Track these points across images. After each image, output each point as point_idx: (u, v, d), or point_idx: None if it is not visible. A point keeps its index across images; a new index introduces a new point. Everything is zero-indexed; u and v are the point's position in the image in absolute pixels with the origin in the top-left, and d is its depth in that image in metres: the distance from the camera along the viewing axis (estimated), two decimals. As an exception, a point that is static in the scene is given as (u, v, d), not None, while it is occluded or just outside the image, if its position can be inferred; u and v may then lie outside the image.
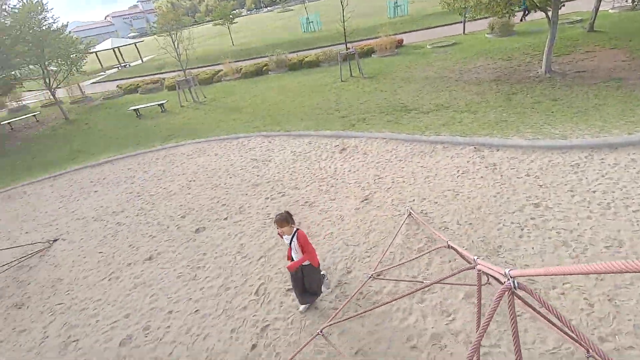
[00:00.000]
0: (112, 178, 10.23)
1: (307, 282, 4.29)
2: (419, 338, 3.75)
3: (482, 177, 6.20)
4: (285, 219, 3.93)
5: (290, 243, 4.04)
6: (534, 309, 2.06)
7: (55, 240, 7.44)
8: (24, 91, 26.26)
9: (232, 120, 12.88)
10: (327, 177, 7.48)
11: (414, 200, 6.02)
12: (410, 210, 5.55)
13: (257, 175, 8.31)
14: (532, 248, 4.51)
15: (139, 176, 9.89)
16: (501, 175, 6.10)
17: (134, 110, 16.57)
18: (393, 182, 6.73)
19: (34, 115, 20.18)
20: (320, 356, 3.80)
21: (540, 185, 5.64)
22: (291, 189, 7.39)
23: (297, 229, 4.05)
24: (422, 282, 4.28)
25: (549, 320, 2.12)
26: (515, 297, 1.62)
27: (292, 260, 4.13)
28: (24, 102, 26.08)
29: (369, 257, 5.05)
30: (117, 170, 10.76)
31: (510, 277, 1.55)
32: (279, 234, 4.09)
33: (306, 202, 6.79)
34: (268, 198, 7.24)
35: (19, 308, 5.71)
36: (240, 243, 6.05)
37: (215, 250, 6.02)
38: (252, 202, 7.23)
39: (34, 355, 4.76)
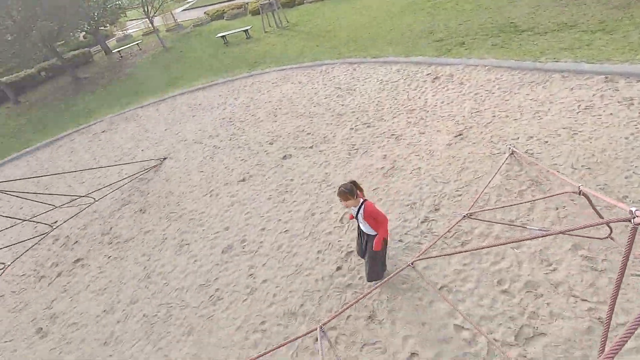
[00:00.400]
0: (206, 104, 10.96)
1: (368, 257, 3.81)
2: (511, 283, 3.58)
3: (611, 114, 5.16)
4: (349, 192, 3.35)
5: (357, 215, 3.56)
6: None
7: (164, 159, 8.48)
8: (127, 20, 28.44)
9: (316, 47, 12.43)
10: (417, 109, 6.98)
11: (518, 138, 5.34)
12: (513, 149, 4.97)
13: (342, 105, 8.11)
14: (671, 202, 3.77)
15: (229, 102, 10.42)
16: (639, 113, 5.00)
17: (222, 37, 16.94)
18: (494, 116, 6.01)
19: (137, 44, 21.99)
20: (404, 285, 3.89)
21: (696, 127, 4.50)
22: (377, 120, 7.11)
23: (365, 200, 3.48)
24: (524, 226, 3.93)
25: None
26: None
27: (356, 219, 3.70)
28: (128, 31, 28.42)
29: (459, 196, 4.77)
30: (210, 96, 11.44)
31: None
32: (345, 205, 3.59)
33: (393, 134, 6.50)
34: (352, 129, 7.10)
35: (143, 213, 6.84)
36: (325, 172, 6.18)
37: (301, 177, 6.26)
38: (337, 132, 7.18)
39: (157, 252, 5.76)
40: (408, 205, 4.90)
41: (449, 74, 7.76)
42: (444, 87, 7.36)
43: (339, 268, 4.39)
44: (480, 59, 7.85)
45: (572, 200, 4.09)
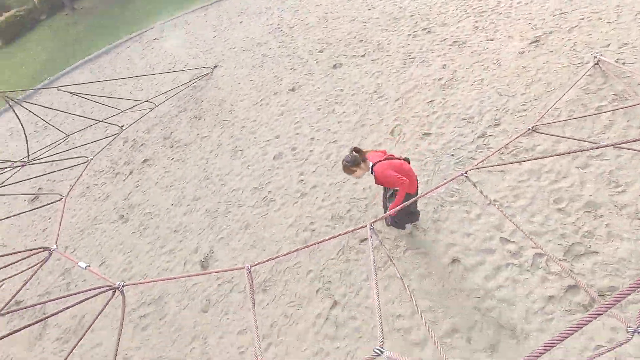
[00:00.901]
0: (254, 9, 10.41)
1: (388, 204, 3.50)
2: (569, 202, 3.44)
3: None
4: (352, 163, 3.04)
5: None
6: None
7: (215, 67, 8.50)
8: None
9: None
10: (487, 11, 6.11)
11: (608, 45, 4.58)
12: (600, 57, 4.30)
13: (399, 7, 7.31)
14: None
15: (277, 6, 9.79)
16: None
17: None
18: (582, 19, 5.11)
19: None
20: (452, 198, 3.90)
21: None
22: (438, 25, 6.38)
23: (374, 165, 3.08)
24: (595, 143, 3.60)
25: None
26: None
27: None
28: None
29: (525, 111, 4.39)
30: (258, 0, 10.78)
31: None
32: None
33: (455, 41, 5.86)
34: (410, 35, 6.48)
35: (199, 119, 7.16)
36: (377, 82, 5.89)
37: (352, 87, 6.04)
38: (392, 39, 6.61)
39: (214, 156, 6.15)
40: (465, 119, 4.63)
41: (534, -34, 6.51)
42: (524, -16, 6.25)
43: (386, 179, 4.45)
44: (577, -56, 6.41)
45: (662, 118, 3.61)
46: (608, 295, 2.84)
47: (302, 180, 4.96)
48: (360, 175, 3.19)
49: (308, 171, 5.03)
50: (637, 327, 1.69)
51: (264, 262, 2.41)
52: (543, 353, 0.98)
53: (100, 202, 6.46)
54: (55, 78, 12.82)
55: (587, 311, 2.84)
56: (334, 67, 6.69)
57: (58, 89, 6.78)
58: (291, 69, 7.21)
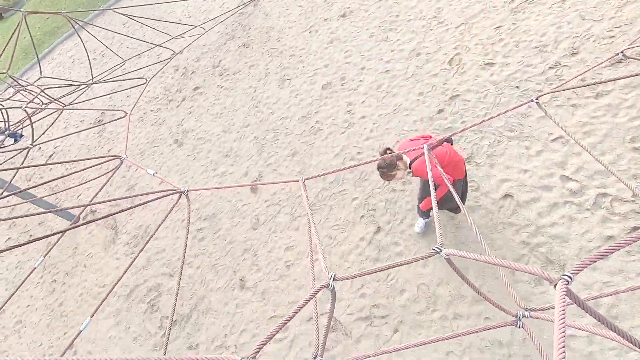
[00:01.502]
0: None
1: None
2: (649, 141, 3.11)
3: None
4: (388, 167, 2.66)
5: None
6: None
7: (263, -9, 8.10)
8: None
9: None
10: None
11: None
12: None
13: None
14: None
15: None
16: None
17: None
18: None
19: None
20: (511, 133, 3.67)
21: None
22: None
23: (412, 162, 2.67)
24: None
25: None
26: None
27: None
28: None
29: (611, 38, 3.83)
30: None
31: None
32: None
33: (537, -45, 5.05)
34: (482, -51, 5.66)
35: (247, 47, 7.06)
36: (437, 7, 5.34)
37: (409, 12, 5.55)
38: (460, -45, 5.82)
39: (262, 84, 6.15)
40: (537, 47, 4.15)
41: None
42: None
43: (440, 111, 4.25)
44: None
45: None
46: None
47: (350, 111, 4.87)
48: (402, 177, 2.79)
49: (357, 101, 4.91)
50: None
51: (317, 176, 2.48)
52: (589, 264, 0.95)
53: (157, 127, 6.84)
54: (107, 6, 12.98)
55: (648, 253, 2.71)
56: (391, -11, 6.11)
57: (115, 11, 6.87)
58: (343, -8, 6.71)
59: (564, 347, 0.82)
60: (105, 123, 5.07)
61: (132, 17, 7.18)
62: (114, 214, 2.23)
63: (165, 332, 4.12)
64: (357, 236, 3.78)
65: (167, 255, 4.86)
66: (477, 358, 2.78)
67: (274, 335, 1.23)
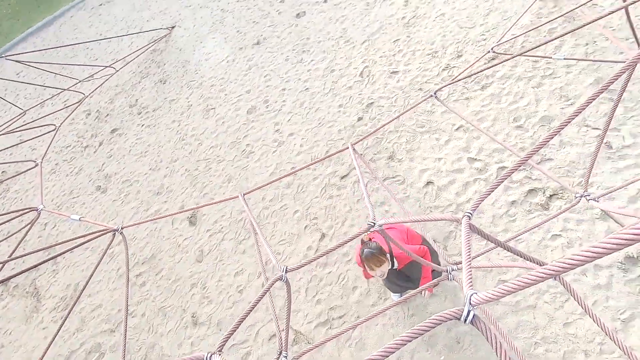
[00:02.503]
0: (204, -38, 9.79)
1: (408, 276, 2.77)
2: (526, 119, 3.75)
3: None
4: (379, 249, 2.31)
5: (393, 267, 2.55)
6: None
7: (173, 28, 8.11)
8: None
9: None
10: (445, -54, 6.10)
11: (558, -30, 4.77)
12: (551, -17, 4.50)
13: (358, -51, 7.12)
14: None
15: (230, -42, 9.26)
16: None
17: None
18: (534, -54, 5.24)
19: None
20: (422, 129, 4.15)
21: None
22: (398, -36, 6.32)
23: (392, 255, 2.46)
24: (549, 57, 3.89)
25: None
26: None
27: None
28: None
29: (484, 40, 4.59)
30: (208, -48, 10.12)
31: None
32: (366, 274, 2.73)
33: (416, -21, 5.88)
34: (371, -23, 6.41)
35: (164, 83, 6.94)
36: (342, 27, 5.88)
37: (317, 35, 6.01)
38: (353, -17, 6.51)
39: (186, 117, 6.08)
40: (429, 54, 4.79)
41: None
42: None
43: (360, 119, 4.63)
44: None
45: (604, 35, 3.91)
46: (561, 193, 3.23)
47: (278, 130, 5.05)
48: (386, 270, 2.41)
49: (283, 121, 5.11)
50: (584, 193, 2.01)
51: (255, 189, 2.57)
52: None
53: (73, 177, 6.31)
54: (-5, 56, 11.77)
55: (544, 210, 3.24)
56: (297, 16, 6.57)
57: (7, 58, 6.31)
58: (253, 22, 7.02)
59: (470, 273, 1.02)
60: (10, 178, 4.57)
61: (28, 64, 6.65)
62: (30, 268, 2.06)
63: (114, 394, 3.73)
64: (304, 246, 3.88)
65: (105, 310, 4.44)
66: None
67: (236, 329, 1.28)
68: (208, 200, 4.80)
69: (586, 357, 2.49)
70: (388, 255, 2.37)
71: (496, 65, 3.33)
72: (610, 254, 0.53)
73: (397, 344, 0.67)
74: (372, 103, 4.69)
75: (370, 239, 2.37)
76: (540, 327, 2.68)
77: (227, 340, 1.20)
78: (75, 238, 2.36)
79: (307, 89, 5.32)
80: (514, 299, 2.83)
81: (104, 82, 7.20)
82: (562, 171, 3.34)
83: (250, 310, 1.36)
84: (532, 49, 2.38)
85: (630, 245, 0.46)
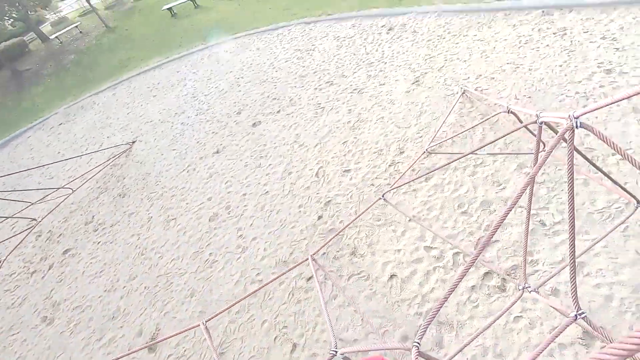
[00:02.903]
0: (165, 83, 10.70)
1: None
2: (469, 205, 4.12)
3: (547, 45, 5.64)
4: None
5: None
6: (589, 160, 2.20)
7: (133, 142, 8.42)
8: (59, 1, 26.08)
9: (268, 9, 12.16)
10: (375, 62, 7.24)
11: (468, 77, 5.77)
12: (465, 88, 5.40)
13: (303, 67, 8.23)
14: (596, 117, 4.35)
15: (189, 77, 10.23)
16: (571, 42, 5.50)
17: (168, 9, 16.08)
18: (445, 60, 6.38)
19: (76, 26, 20.44)
20: (379, 222, 4.38)
21: (617, 49, 5.06)
22: (338, 77, 7.33)
23: None
24: (477, 152, 4.44)
25: (601, 171, 2.26)
26: (573, 145, 1.71)
27: None
28: (62, 13, 26.17)
29: (420, 137, 5.21)
30: (168, 74, 11.14)
31: (574, 118, 1.60)
32: None
33: (355, 89, 6.78)
34: (316, 88, 7.31)
35: (123, 197, 6.93)
36: (295, 133, 6.44)
37: (273, 141, 6.51)
38: (301, 94, 7.36)
39: (145, 230, 5.97)
40: (376, 152, 5.31)
41: (402, 23, 7.99)
42: (398, 37, 7.61)
43: (320, 217, 4.81)
44: (429, 5, 8.08)
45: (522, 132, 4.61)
46: (513, 273, 3.42)
47: (241, 236, 5.07)
48: None
49: (245, 225, 5.18)
50: (525, 286, 2.17)
51: (216, 315, 2.50)
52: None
53: (15, 309, 5.70)
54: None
55: (502, 292, 3.38)
56: (254, 125, 7.15)
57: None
58: (213, 132, 7.51)
59: None
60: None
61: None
62: None
63: None
64: (275, 362, 3.63)
65: None
66: None
67: None
68: (169, 319, 4.48)
69: None
70: None
71: (436, 170, 3.78)
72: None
73: None
74: (329, 201, 4.95)
75: None
76: (526, 423, 2.59)
77: None
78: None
79: (267, 192, 5.55)
80: (494, 395, 2.75)
81: (59, 204, 7.04)
82: (509, 251, 3.59)
83: None
84: (459, 158, 2.75)
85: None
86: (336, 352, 1.62)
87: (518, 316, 3.13)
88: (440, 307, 1.39)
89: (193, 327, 2.29)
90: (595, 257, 3.24)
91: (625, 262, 3.14)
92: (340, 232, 3.18)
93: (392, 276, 3.85)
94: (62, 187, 7.13)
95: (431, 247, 3.91)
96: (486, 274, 3.50)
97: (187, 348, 4.11)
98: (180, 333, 2.62)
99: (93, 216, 6.80)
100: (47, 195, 7.13)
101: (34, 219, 6.70)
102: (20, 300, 5.80)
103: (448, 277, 3.60)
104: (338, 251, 4.32)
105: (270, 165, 6.03)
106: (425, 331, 1.33)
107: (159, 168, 7.21)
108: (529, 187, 1.84)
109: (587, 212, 3.59)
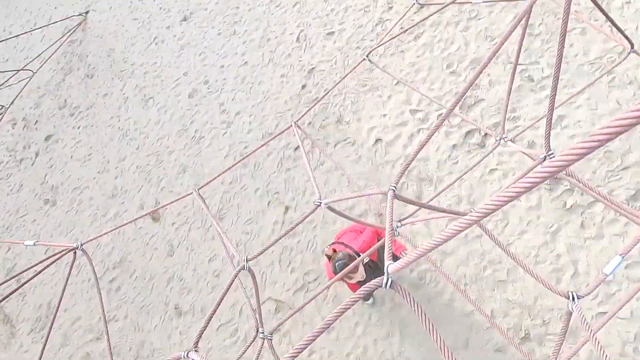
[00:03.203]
0: None
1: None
2: (458, 64, 3.94)
3: None
4: (348, 256, 2.35)
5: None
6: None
7: (87, 12, 7.34)
8: None
9: None
10: None
11: None
12: None
13: None
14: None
15: None
16: None
17: None
18: None
19: None
20: (365, 87, 4.24)
21: None
22: None
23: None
24: (472, 1, 4.01)
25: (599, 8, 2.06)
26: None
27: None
28: None
29: (412, -12, 4.61)
30: None
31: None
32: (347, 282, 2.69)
33: None
34: None
35: (91, 77, 6.43)
36: (270, -9, 5.63)
37: (247, 2, 5.73)
38: (274, -61, 6.14)
39: (124, 111, 5.75)
40: (362, 9, 4.76)
41: None
42: None
43: (304, 86, 4.62)
44: None
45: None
46: (494, 130, 3.51)
47: (224, 111, 4.94)
48: (362, 270, 2.40)
49: (228, 100, 5.00)
50: (502, 136, 2.22)
51: (208, 182, 2.61)
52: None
53: (15, 194, 5.91)
54: None
55: (482, 148, 3.52)
56: (221, -17, 6.17)
57: None
58: (175, -5, 6.52)
59: (391, 243, 1.17)
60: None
61: None
62: None
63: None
64: (270, 222, 4.00)
65: (85, 321, 4.43)
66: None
67: (207, 324, 1.39)
68: (167, 193, 4.73)
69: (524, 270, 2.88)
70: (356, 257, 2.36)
71: (426, 18, 3.43)
72: (519, 197, 0.58)
73: (322, 328, 0.79)
74: (313, 68, 4.67)
75: (334, 251, 2.40)
76: (487, 252, 3.05)
77: (201, 335, 1.31)
78: (34, 265, 2.32)
79: (245, 62, 5.17)
80: (462, 233, 3.15)
81: (23, 88, 6.52)
82: (493, 109, 3.61)
83: (219, 304, 1.47)
84: (450, 2, 2.47)
85: (533, 187, 0.52)
86: (321, 202, 1.74)
87: (493, 169, 3.35)
88: (418, 152, 1.43)
89: (187, 195, 2.40)
90: (577, 110, 3.29)
91: (603, 113, 3.21)
92: (323, 97, 3.08)
93: (377, 140, 3.93)
94: (22, 70, 6.52)
95: (417, 110, 3.90)
96: (468, 132, 3.59)
97: (188, 216, 4.45)
98: (176, 201, 2.77)
99: (65, 100, 6.44)
100: (7, 80, 6.57)
101: (2, 106, 6.33)
102: (18, 187, 5.96)
103: (431, 138, 3.69)
104: (324, 119, 4.30)
105: (246, 31, 5.45)
106: (402, 175, 1.39)
107: (123, 42, 6.49)
108: (520, 38, 1.69)
109: (577, 64, 3.48)
